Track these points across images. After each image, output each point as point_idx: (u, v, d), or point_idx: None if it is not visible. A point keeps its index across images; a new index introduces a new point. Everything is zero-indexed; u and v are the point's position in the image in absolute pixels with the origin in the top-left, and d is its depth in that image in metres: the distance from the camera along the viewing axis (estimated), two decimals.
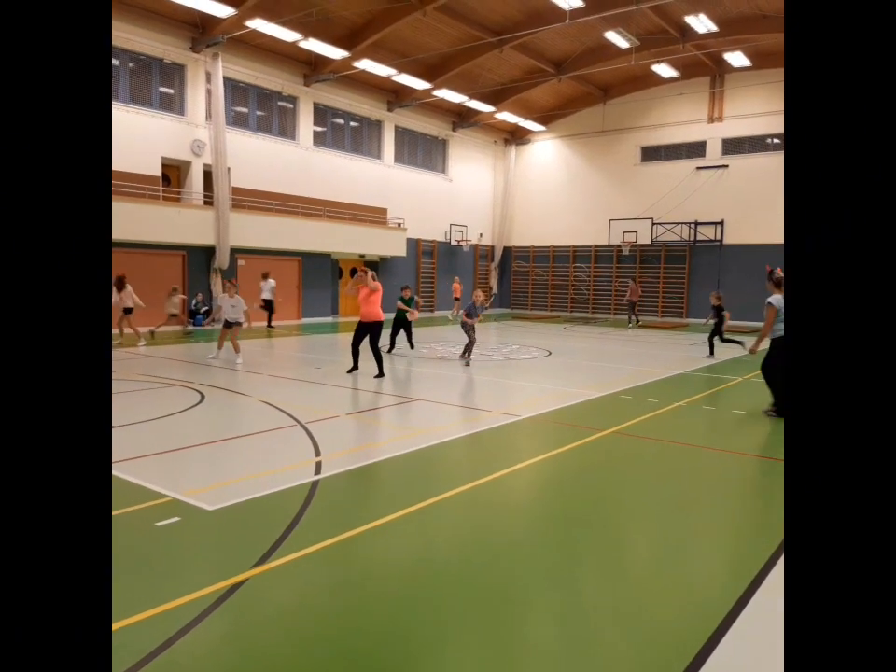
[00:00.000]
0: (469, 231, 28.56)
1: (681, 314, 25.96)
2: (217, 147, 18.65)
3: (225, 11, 16.64)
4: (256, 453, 6.11)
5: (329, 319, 23.07)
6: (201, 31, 18.48)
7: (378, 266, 24.21)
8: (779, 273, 8.20)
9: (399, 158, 25.79)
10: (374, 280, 10.45)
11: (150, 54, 18.02)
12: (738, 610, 3.28)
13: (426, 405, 8.67)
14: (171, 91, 18.77)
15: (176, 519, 4.35)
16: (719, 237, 24.96)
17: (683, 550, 4.17)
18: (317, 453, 6.05)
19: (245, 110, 20.69)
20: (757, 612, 3.27)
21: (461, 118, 27.47)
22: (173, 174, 19.37)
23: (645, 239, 25.67)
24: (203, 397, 8.57)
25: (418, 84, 22.05)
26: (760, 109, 23.79)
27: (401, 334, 13.87)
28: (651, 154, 26.97)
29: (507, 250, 30.68)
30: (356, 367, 10.64)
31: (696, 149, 25.76)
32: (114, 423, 6.93)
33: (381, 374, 10.30)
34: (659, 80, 24.99)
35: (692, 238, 25.47)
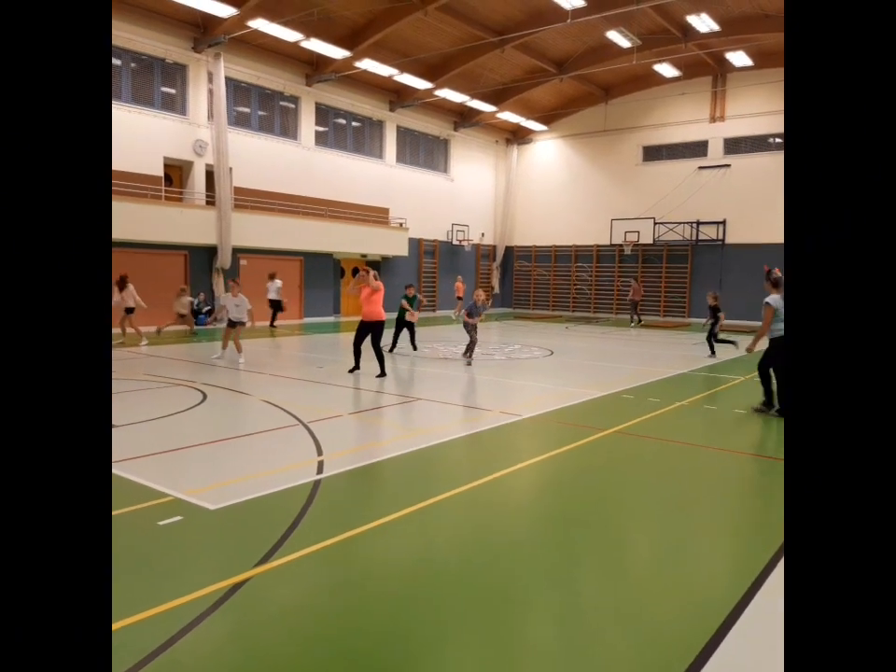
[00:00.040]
0: (471, 230, 28.56)
1: (683, 313, 25.94)
2: (219, 146, 18.67)
3: (227, 11, 16.65)
4: (258, 452, 6.12)
5: (331, 319, 23.08)
6: (202, 31, 18.49)
7: (380, 266, 24.22)
8: (777, 273, 8.20)
9: (401, 158, 25.79)
10: (376, 280, 10.46)
11: (152, 54, 18.04)
12: (739, 611, 3.28)
13: (427, 405, 8.68)
14: (173, 91, 18.79)
15: (179, 518, 4.36)
16: (721, 237, 24.94)
17: (684, 550, 4.17)
18: (319, 452, 6.06)
19: (246, 110, 20.71)
20: (758, 613, 3.27)
21: (463, 117, 27.47)
22: (175, 174, 19.39)
23: (647, 238, 25.66)
24: (205, 396, 8.58)
25: (420, 84, 22.04)
26: (762, 109, 23.76)
27: (404, 334, 13.80)
28: (653, 154, 26.95)
29: (509, 250, 30.67)
30: (357, 367, 10.65)
31: (698, 149, 25.73)
32: (117, 422, 6.95)
33: (383, 374, 10.31)
34: (661, 80, 24.96)
35: (694, 238, 25.45)
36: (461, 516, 4.63)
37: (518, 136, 29.95)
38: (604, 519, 4.67)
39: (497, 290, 30.56)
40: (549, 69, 23.94)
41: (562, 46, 23.00)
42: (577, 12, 18.52)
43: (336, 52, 19.18)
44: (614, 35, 20.56)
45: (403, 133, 25.86)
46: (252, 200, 20.16)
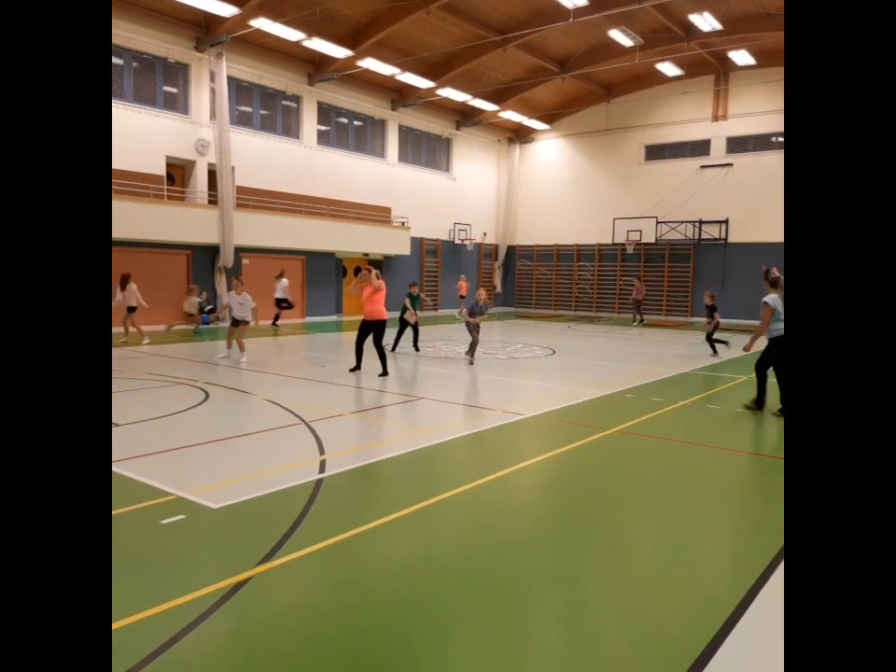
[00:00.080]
0: (473, 229, 28.56)
1: (686, 312, 25.91)
2: (222, 146, 18.68)
3: (229, 10, 16.66)
4: (260, 451, 6.12)
5: (333, 318, 23.09)
6: (205, 30, 18.50)
7: (382, 265, 24.22)
8: (775, 272, 8.22)
9: (403, 157, 25.79)
10: (378, 279, 10.45)
11: (154, 53, 18.05)
12: (742, 610, 3.27)
13: (429, 404, 8.67)
14: (175, 90, 18.81)
15: (181, 517, 4.36)
16: (723, 236, 24.90)
17: (687, 549, 4.17)
18: (322, 451, 6.06)
19: (248, 109, 20.71)
20: (761, 612, 3.26)
21: (465, 116, 27.46)
22: (177, 173, 19.41)
23: (649, 238, 25.64)
24: (207, 395, 8.59)
25: (422, 83, 22.04)
26: (764, 108, 23.72)
27: (408, 334, 13.73)
28: (656, 153, 26.92)
29: (511, 249, 30.66)
30: (358, 367, 10.63)
31: (701, 148, 25.70)
32: (119, 421, 6.95)
33: (385, 373, 10.31)
34: (663, 79, 24.93)
35: (696, 237, 25.42)
36: (463, 515, 4.63)
37: (520, 135, 29.93)
38: (606, 518, 4.66)
39: (499, 289, 30.55)
40: (551, 68, 23.92)
41: (564, 45, 22.98)
42: (579, 11, 18.50)
43: (338, 51, 19.18)
44: (616, 34, 20.53)
45: (405, 133, 25.86)
46: (254, 199, 20.17)
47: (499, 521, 4.54)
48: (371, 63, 20.15)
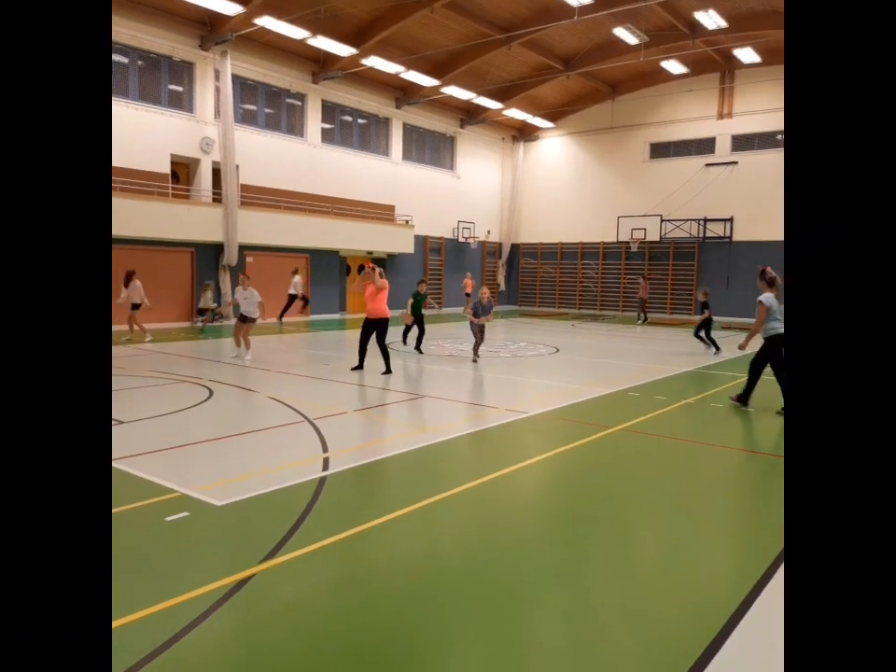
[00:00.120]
0: (477, 227, 28.54)
1: (690, 311, 25.85)
2: (226, 144, 18.70)
3: (233, 9, 16.68)
4: (264, 449, 6.13)
5: (337, 316, 23.11)
6: (209, 28, 18.52)
7: (386, 263, 24.23)
8: (770, 271, 8.25)
9: (407, 155, 25.78)
10: (381, 277, 10.45)
11: (159, 52, 18.08)
12: (745, 608, 3.27)
13: (433, 402, 8.68)
14: (180, 88, 18.83)
15: (185, 514, 4.37)
16: (728, 234, 24.84)
17: (691, 547, 4.17)
18: (325, 449, 6.07)
19: (253, 108, 20.73)
20: (764, 610, 3.26)
21: (469, 115, 27.43)
22: (182, 171, 19.44)
23: (654, 236, 25.59)
24: (211, 393, 8.61)
25: (426, 81, 22.03)
26: (770, 105, 23.65)
27: (412, 332, 13.70)
28: (660, 151, 26.86)
29: (515, 247, 30.63)
30: (360, 366, 10.63)
31: (705, 146, 25.63)
32: (124, 418, 6.97)
33: (388, 371, 10.31)
34: (668, 77, 24.87)
35: (701, 235, 25.36)
36: (467, 513, 4.63)
37: (524, 133, 29.89)
38: (610, 516, 4.66)
39: (502, 287, 30.53)
40: (556, 66, 23.88)
41: (569, 43, 22.94)
42: (584, 9, 18.47)
43: (342, 50, 19.18)
44: (621, 32, 20.49)
45: (409, 131, 25.85)
46: (258, 197, 20.19)
47: (503, 519, 4.55)
48: (375, 62, 20.15)
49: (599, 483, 5.46)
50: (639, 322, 22.81)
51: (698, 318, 14.21)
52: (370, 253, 23.88)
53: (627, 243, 26.44)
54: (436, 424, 7.46)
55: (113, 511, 4.27)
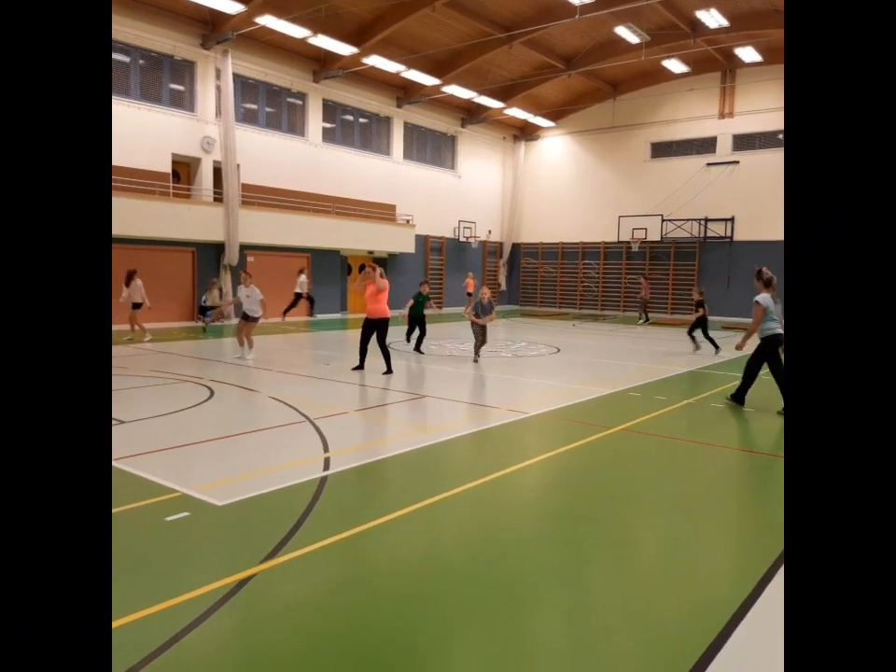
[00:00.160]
0: (478, 227, 28.53)
1: (691, 311, 25.80)
2: (227, 143, 18.71)
3: (235, 8, 16.68)
4: (265, 448, 6.13)
5: (338, 316, 23.11)
6: (211, 27, 18.52)
7: (387, 263, 24.23)
8: (767, 272, 8.26)
9: (408, 154, 25.78)
10: (382, 277, 10.44)
11: (160, 51, 18.08)
12: (746, 609, 3.27)
13: (434, 402, 8.68)
14: (181, 87, 18.83)
15: (186, 514, 4.37)
16: (729, 234, 24.83)
17: (691, 547, 4.16)
18: (326, 449, 6.07)
19: (254, 107, 20.73)
20: (765, 610, 3.26)
21: (470, 114, 27.42)
22: (183, 170, 19.44)
23: (655, 235, 25.57)
24: (212, 393, 8.61)
25: (427, 80, 22.02)
26: (771, 105, 23.63)
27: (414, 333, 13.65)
28: (662, 150, 26.85)
29: (516, 247, 30.63)
30: (361, 366, 10.62)
31: (707, 145, 25.62)
32: (125, 418, 6.98)
33: (389, 371, 10.31)
34: (669, 76, 24.85)
35: (702, 235, 25.34)
36: (468, 513, 4.63)
37: (526, 133, 29.89)
38: (611, 516, 4.66)
39: (503, 287, 30.53)
40: (557, 65, 23.87)
41: (570, 41, 22.93)
42: (585, 8, 18.46)
43: (343, 49, 19.18)
44: (622, 31, 20.48)
45: (410, 130, 25.84)
46: (260, 196, 20.20)
47: (503, 519, 4.55)
48: (376, 61, 20.15)
49: (600, 483, 5.46)
50: (640, 322, 22.80)
51: (699, 317, 14.24)
52: (371, 253, 23.88)
53: (628, 242, 26.43)
54: (437, 424, 7.46)
55: (113, 510, 4.27)
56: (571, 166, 29.03)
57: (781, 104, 23.14)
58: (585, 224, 28.42)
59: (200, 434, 6.63)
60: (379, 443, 6.56)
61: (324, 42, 18.63)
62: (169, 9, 17.60)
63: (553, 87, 26.32)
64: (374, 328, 10.45)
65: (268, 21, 17.16)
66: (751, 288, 8.81)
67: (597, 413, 8.08)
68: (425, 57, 21.56)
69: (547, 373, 11.15)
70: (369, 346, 10.56)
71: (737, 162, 24.81)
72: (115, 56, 17.10)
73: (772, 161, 23.81)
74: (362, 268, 11.48)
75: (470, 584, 3.53)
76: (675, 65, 22.98)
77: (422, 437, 6.72)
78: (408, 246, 24.59)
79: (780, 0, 19.15)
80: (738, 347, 8.61)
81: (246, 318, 11.90)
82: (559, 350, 14.39)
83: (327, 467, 5.52)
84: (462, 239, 27.86)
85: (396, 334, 14.47)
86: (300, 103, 21.87)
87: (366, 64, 20.53)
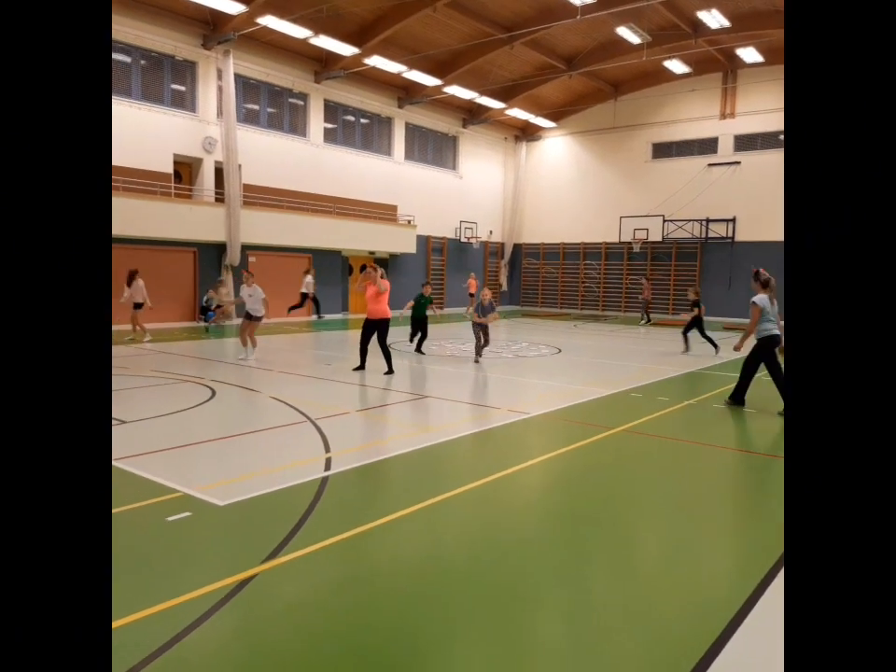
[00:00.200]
0: (480, 227, 28.53)
1: (688, 310, 25.81)
2: (229, 143, 18.72)
3: (236, 8, 16.69)
4: (266, 449, 6.14)
5: (339, 316, 23.11)
6: (212, 28, 18.53)
7: (388, 263, 24.24)
8: (764, 273, 8.27)
9: (410, 155, 25.78)
10: (383, 278, 10.42)
11: (162, 51, 18.09)
12: (748, 609, 3.27)
13: (435, 402, 8.68)
14: (182, 88, 18.85)
15: (187, 514, 4.37)
16: (730, 234, 24.81)
17: (692, 548, 4.16)
18: (327, 449, 6.07)
19: (255, 107, 20.74)
20: (766, 611, 3.26)
21: (472, 114, 27.43)
22: (184, 170, 19.46)
23: (656, 236, 25.56)
24: (213, 393, 8.61)
25: (429, 81, 22.02)
26: (773, 105, 23.62)
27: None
28: (663, 150, 26.84)
29: (517, 247, 30.63)
30: (362, 366, 10.62)
31: (708, 146, 25.60)
32: (126, 418, 6.98)
33: (390, 371, 10.31)
34: (671, 76, 24.85)
35: (703, 235, 25.33)
36: (469, 513, 4.63)
37: (527, 133, 29.88)
38: (612, 517, 4.66)
39: (505, 288, 30.52)
40: (558, 66, 23.87)
41: (571, 42, 22.93)
42: (586, 8, 18.45)
43: (345, 49, 19.19)
44: (624, 32, 20.48)
45: (412, 130, 25.85)
46: (261, 197, 20.21)
47: (505, 519, 4.55)
48: (377, 61, 20.15)
49: (601, 483, 5.46)
50: (642, 323, 22.79)
51: (687, 317, 14.32)
52: (372, 253, 23.88)
53: (629, 243, 26.42)
54: (438, 424, 7.46)
55: (115, 510, 4.28)
56: (572, 167, 29.03)
57: (782, 104, 23.09)
58: (586, 224, 28.42)
59: (201, 434, 6.63)
60: (380, 444, 6.56)
61: (325, 42, 18.64)
62: (170, 10, 17.61)
63: (554, 87, 26.32)
64: (375, 328, 10.45)
65: (269, 21, 17.17)
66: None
67: (599, 413, 8.08)
68: (426, 57, 21.57)
69: (548, 374, 11.15)
70: (369, 347, 10.57)
71: (739, 163, 24.80)
72: (116, 56, 17.13)
73: (773, 162, 23.80)
74: (363, 268, 11.46)
75: (472, 584, 3.53)
76: (676, 66, 22.97)
77: (423, 437, 6.72)
78: (409, 247, 24.59)
79: (781, 0, 19.13)
80: (736, 348, 8.62)
81: (250, 318, 11.88)
82: (560, 350, 14.39)
83: (328, 467, 5.52)
84: (463, 239, 27.86)
85: (399, 335, 14.48)
86: (301, 103, 21.88)
87: (367, 65, 20.54)
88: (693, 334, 14.33)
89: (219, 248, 19.26)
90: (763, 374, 8.33)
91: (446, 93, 23.47)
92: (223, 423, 7.20)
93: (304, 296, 19.19)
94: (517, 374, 11.03)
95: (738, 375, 8.58)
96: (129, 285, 14.13)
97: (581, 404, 8.53)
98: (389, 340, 10.83)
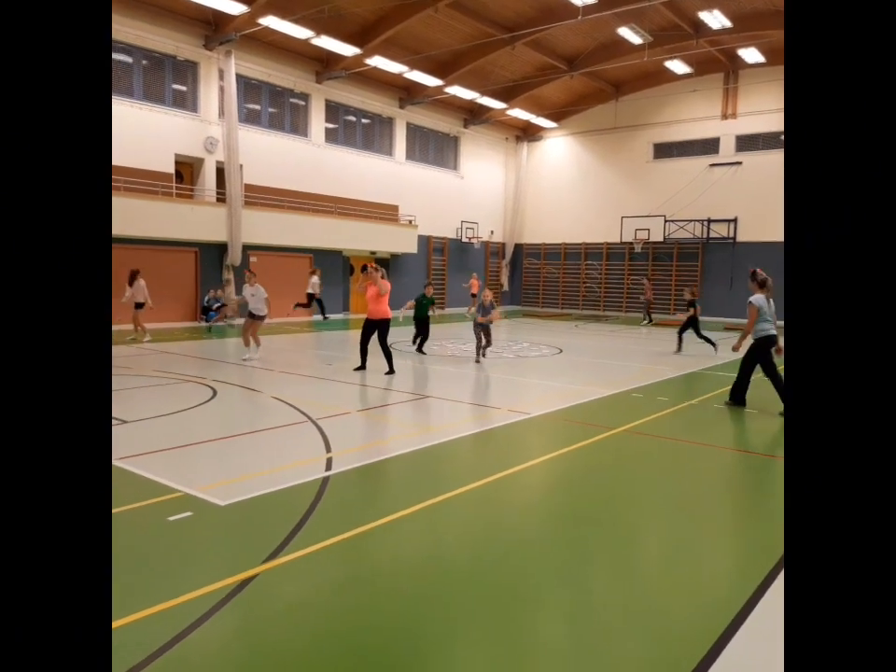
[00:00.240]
0: (481, 228, 28.53)
1: (694, 312, 25.77)
2: (230, 144, 18.73)
3: (238, 9, 16.69)
4: (267, 448, 6.14)
5: (341, 316, 23.12)
6: (214, 28, 18.54)
7: (389, 263, 24.24)
8: (761, 273, 8.28)
9: (411, 155, 25.78)
10: (384, 279, 10.41)
11: (164, 51, 18.10)
12: (749, 610, 3.27)
13: (436, 402, 8.68)
14: (184, 88, 18.86)
15: (188, 514, 4.38)
16: (732, 234, 24.80)
17: (693, 548, 4.16)
18: (328, 449, 6.07)
19: (257, 107, 20.75)
20: (767, 611, 3.25)
21: (473, 114, 27.43)
22: (186, 171, 19.47)
23: (657, 236, 25.55)
24: (214, 393, 8.62)
25: (430, 81, 22.02)
26: (774, 106, 23.61)
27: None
28: (664, 151, 26.82)
29: (518, 247, 30.62)
30: (363, 366, 10.62)
31: (710, 146, 25.59)
32: (127, 418, 6.99)
33: (391, 371, 10.32)
34: (672, 77, 24.84)
35: (704, 235, 25.32)
36: (470, 513, 4.63)
37: (528, 133, 29.88)
38: (613, 517, 4.66)
39: (506, 288, 30.52)
40: (559, 66, 23.86)
41: (573, 42, 22.92)
42: (588, 9, 18.45)
43: (346, 49, 19.19)
44: (625, 32, 20.47)
45: (413, 131, 25.85)
46: (262, 197, 20.22)
47: (506, 519, 4.55)
48: (379, 61, 20.15)
49: (602, 484, 5.46)
50: (644, 323, 22.77)
51: (683, 316, 14.36)
52: (373, 253, 23.89)
53: (631, 243, 26.41)
54: (439, 424, 7.46)
55: (116, 510, 4.28)
56: (574, 167, 29.02)
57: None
58: (588, 225, 28.41)
59: (202, 434, 6.64)
60: (381, 443, 6.56)
61: (327, 43, 18.64)
62: (172, 10, 17.62)
63: (555, 88, 26.31)
64: (375, 328, 10.45)
65: (271, 21, 17.18)
66: None
67: (599, 413, 8.08)
68: (427, 58, 21.57)
69: (549, 374, 11.15)
70: (370, 347, 10.57)
71: (740, 163, 24.79)
72: (118, 56, 17.14)
73: (775, 162, 23.79)
74: (364, 268, 11.43)
75: (473, 585, 3.53)
76: (678, 66, 22.96)
77: (424, 437, 6.72)
78: (410, 247, 24.59)
79: (783, 1, 19.11)
80: (734, 348, 8.64)
81: (252, 317, 11.87)
82: (561, 351, 14.39)
83: (329, 467, 5.52)
84: (464, 239, 27.86)
85: (402, 335, 14.48)
86: (302, 103, 21.89)
87: (369, 65, 20.54)
88: (689, 335, 14.35)
89: (221, 248, 19.27)
90: (762, 375, 8.31)
91: (447, 94, 23.47)
92: (224, 423, 7.21)
93: (311, 296, 19.29)
94: (518, 374, 11.03)
95: (735, 376, 8.60)
96: (130, 284, 14.14)
97: (581, 404, 8.53)
98: (390, 340, 10.83)
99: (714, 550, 4.22)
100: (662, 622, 3.18)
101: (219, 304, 19.03)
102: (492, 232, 29.65)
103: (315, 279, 19.29)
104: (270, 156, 20.62)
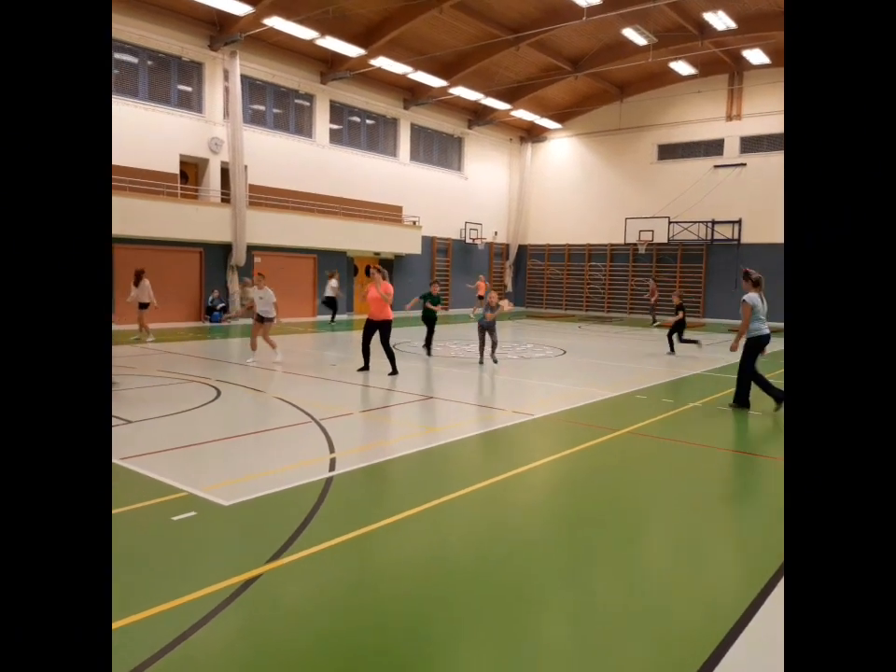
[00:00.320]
0: (485, 229, 28.53)
1: (698, 313, 25.77)
2: (235, 144, 18.77)
3: (243, 9, 16.73)
4: (271, 449, 6.15)
5: (345, 317, 23.13)
6: (219, 29, 18.59)
7: (393, 264, 24.27)
8: (754, 272, 8.28)
9: (415, 155, 25.80)
10: (384, 280, 10.36)
11: (169, 52, 18.15)
12: (752, 612, 3.26)
13: (439, 403, 8.68)
14: (189, 88, 18.91)
15: (192, 514, 4.39)
16: (736, 236, 24.75)
17: (697, 551, 4.15)
18: (332, 449, 6.08)
19: (262, 108, 20.79)
20: (770, 614, 3.25)
21: (477, 115, 27.44)
22: (190, 171, 19.52)
23: (661, 238, 25.53)
24: (218, 393, 8.63)
25: (434, 82, 22.04)
26: (778, 107, 23.54)
27: (419, 333, 13.55)
28: (669, 152, 26.79)
29: (522, 248, 30.61)
30: (366, 367, 10.63)
31: (714, 147, 25.55)
32: (131, 418, 7.00)
33: (394, 372, 10.32)
34: (677, 78, 24.81)
35: (709, 237, 25.28)
36: (475, 514, 4.63)
37: (532, 134, 29.87)
38: (617, 519, 4.65)
39: (510, 289, 30.50)
40: (564, 67, 23.86)
41: (577, 43, 22.91)
42: (592, 10, 18.44)
43: (351, 50, 19.22)
44: (630, 33, 20.46)
45: (417, 131, 25.87)
46: (267, 197, 20.25)
47: (510, 520, 4.55)
48: (383, 62, 20.18)
49: (606, 485, 5.45)
50: (654, 325, 22.69)
51: (675, 321, 14.47)
52: (377, 254, 23.91)
53: (635, 245, 26.39)
54: (443, 425, 7.46)
55: (120, 510, 4.30)
56: (578, 168, 29.00)
57: None
58: (592, 226, 28.39)
59: (206, 434, 6.65)
60: (385, 444, 6.57)
61: (331, 43, 18.67)
62: (177, 10, 17.66)
63: (559, 89, 26.31)
64: (375, 329, 10.45)
65: (276, 22, 17.22)
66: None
67: (604, 415, 8.07)
68: (432, 59, 21.59)
69: (553, 375, 11.14)
70: (372, 347, 10.57)
71: (745, 165, 24.74)
72: (123, 57, 17.19)
73: (779, 164, 23.70)
74: (367, 270, 11.43)
75: (477, 585, 3.53)
76: (682, 67, 22.94)
77: (428, 438, 6.72)
78: (414, 248, 24.61)
79: None
80: (732, 349, 8.62)
81: (261, 320, 11.81)
82: (565, 352, 14.38)
83: (333, 467, 5.53)
84: (468, 240, 27.87)
85: (409, 336, 14.47)
86: (307, 104, 21.93)
87: (373, 66, 20.56)
88: (675, 337, 14.46)
89: (225, 249, 19.31)
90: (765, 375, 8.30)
91: (452, 94, 23.48)
92: (228, 423, 7.22)
93: (332, 300, 19.54)
94: (522, 376, 11.02)
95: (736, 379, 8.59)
96: (136, 284, 14.17)
97: (585, 406, 8.53)
98: (394, 340, 10.82)
99: (718, 552, 4.21)
100: (665, 624, 3.17)
101: (223, 305, 19.06)
102: (496, 233, 29.65)
103: (334, 282, 19.44)
104: (274, 156, 20.66)
